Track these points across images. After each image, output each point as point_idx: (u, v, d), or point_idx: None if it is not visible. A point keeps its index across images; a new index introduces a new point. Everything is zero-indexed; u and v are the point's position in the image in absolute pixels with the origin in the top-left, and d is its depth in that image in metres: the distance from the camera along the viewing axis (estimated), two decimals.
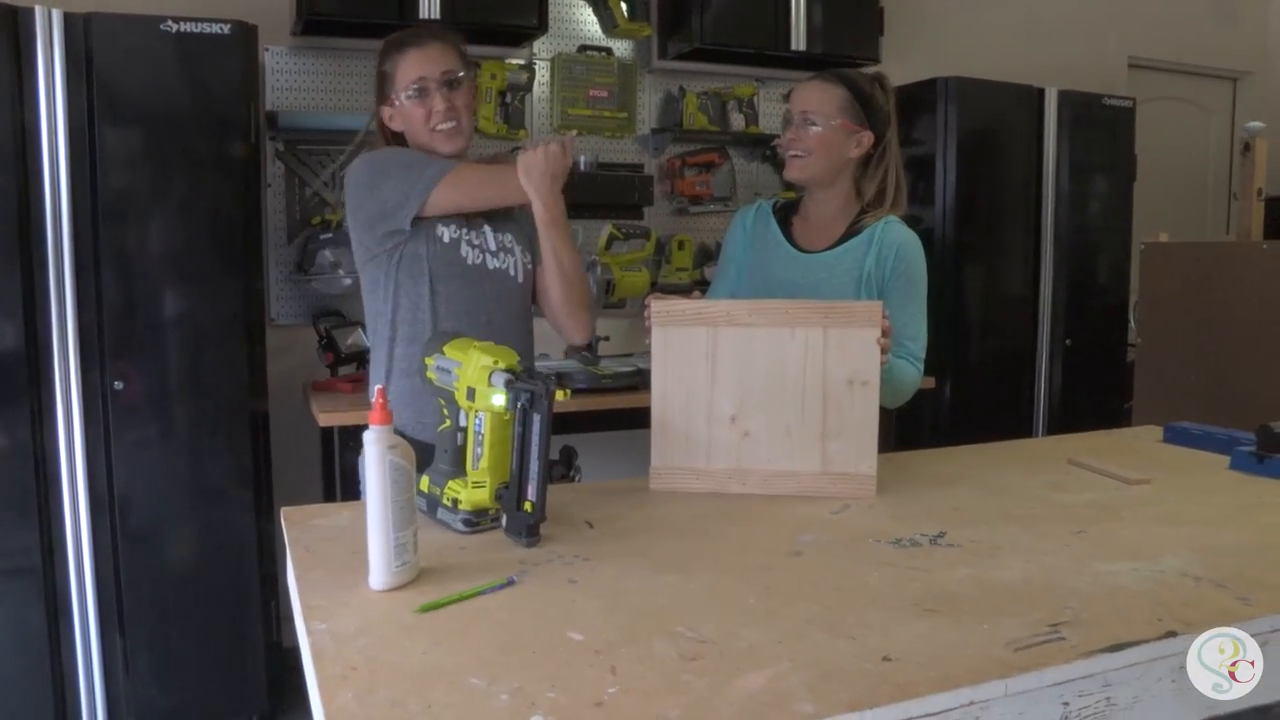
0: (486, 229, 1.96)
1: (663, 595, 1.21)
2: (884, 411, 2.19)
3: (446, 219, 1.89)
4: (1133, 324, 3.80)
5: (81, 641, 2.68)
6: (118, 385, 2.65)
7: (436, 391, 1.52)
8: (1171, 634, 1.06)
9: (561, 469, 2.06)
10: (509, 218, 2.02)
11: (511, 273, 1.98)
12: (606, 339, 3.38)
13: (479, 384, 1.42)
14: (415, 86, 1.89)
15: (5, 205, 2.51)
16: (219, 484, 2.77)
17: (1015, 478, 1.81)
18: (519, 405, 1.38)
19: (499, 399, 1.40)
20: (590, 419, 2.98)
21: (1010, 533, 1.45)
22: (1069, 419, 3.84)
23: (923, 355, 2.03)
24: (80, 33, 2.56)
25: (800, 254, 2.07)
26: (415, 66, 1.90)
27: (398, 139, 1.98)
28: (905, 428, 3.55)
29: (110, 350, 2.64)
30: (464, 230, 1.92)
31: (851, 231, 2.04)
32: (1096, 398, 3.96)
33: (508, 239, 1.99)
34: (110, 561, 2.68)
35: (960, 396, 3.72)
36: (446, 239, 1.90)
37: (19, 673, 2.63)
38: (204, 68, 2.67)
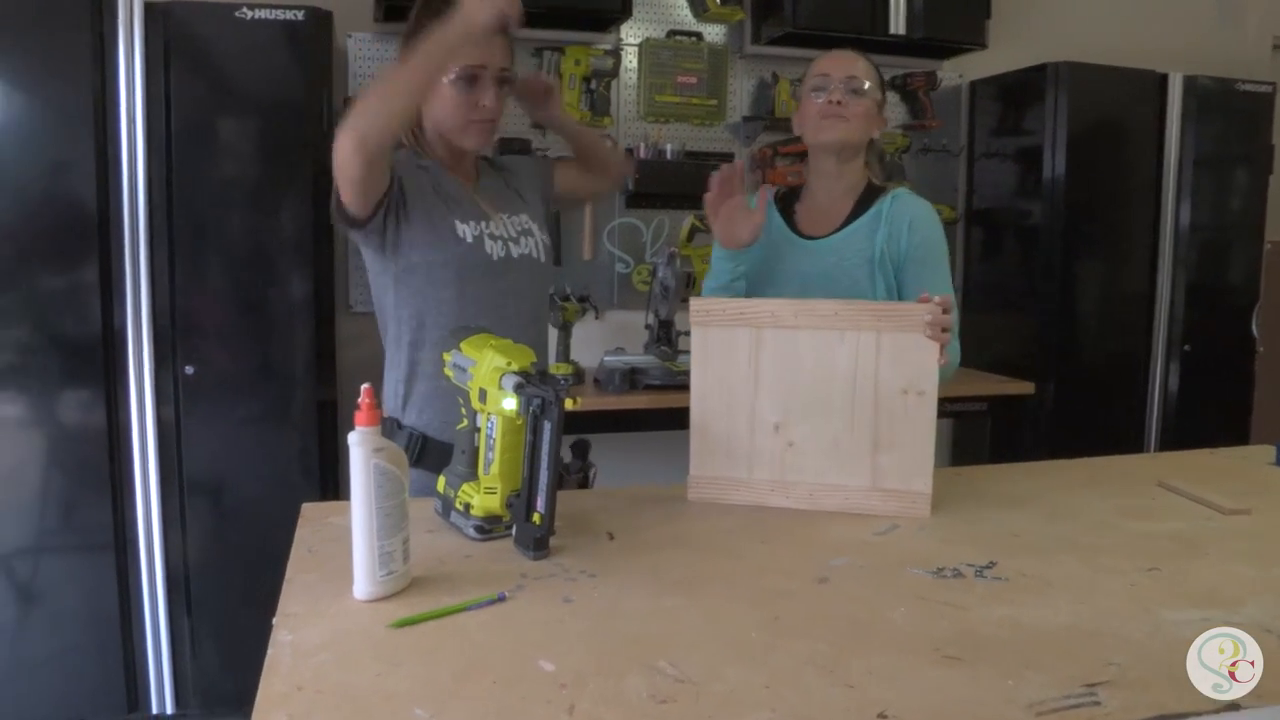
0: (503, 217, 1.82)
1: (658, 622, 1.10)
2: (978, 418, 2.05)
3: (464, 217, 1.74)
4: (1255, 331, 3.49)
5: (151, 623, 2.72)
6: (189, 370, 2.67)
7: (453, 388, 1.45)
8: (1234, 707, 0.90)
9: (579, 463, 1.94)
10: (516, 200, 1.89)
11: (534, 254, 1.84)
12: (687, 333, 3.26)
13: (490, 386, 1.34)
14: (469, 72, 1.70)
15: (85, 192, 2.56)
16: (287, 470, 2.78)
17: (1092, 501, 1.63)
18: (530, 411, 1.29)
19: (510, 403, 1.31)
20: (665, 416, 2.88)
21: (1069, 567, 1.29)
22: (1186, 432, 3.56)
23: (956, 328, 1.84)
24: (160, 21, 2.58)
25: (806, 241, 1.93)
26: (475, 51, 1.69)
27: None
28: (1004, 436, 3.36)
29: (182, 335, 2.66)
30: (483, 224, 1.77)
31: (857, 211, 1.90)
32: (1218, 409, 3.65)
33: (523, 219, 1.86)
34: (180, 544, 2.72)
35: (1066, 404, 3.48)
36: (470, 239, 1.75)
37: (92, 650, 2.69)
38: (278, 54, 2.67)
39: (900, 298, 1.84)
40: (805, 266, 1.88)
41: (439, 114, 1.76)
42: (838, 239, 1.90)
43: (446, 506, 1.46)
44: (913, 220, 1.85)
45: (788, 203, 2.00)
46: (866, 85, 1.86)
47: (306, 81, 2.71)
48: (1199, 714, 0.89)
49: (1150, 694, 0.92)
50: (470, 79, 1.72)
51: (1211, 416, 3.62)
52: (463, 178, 1.82)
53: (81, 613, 2.67)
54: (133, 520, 2.67)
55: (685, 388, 2.90)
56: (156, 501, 2.67)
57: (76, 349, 2.60)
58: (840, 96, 1.85)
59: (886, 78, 3.67)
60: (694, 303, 1.62)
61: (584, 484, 1.92)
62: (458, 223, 1.74)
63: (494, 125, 1.78)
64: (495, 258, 1.76)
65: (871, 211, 1.88)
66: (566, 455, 1.92)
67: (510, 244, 1.80)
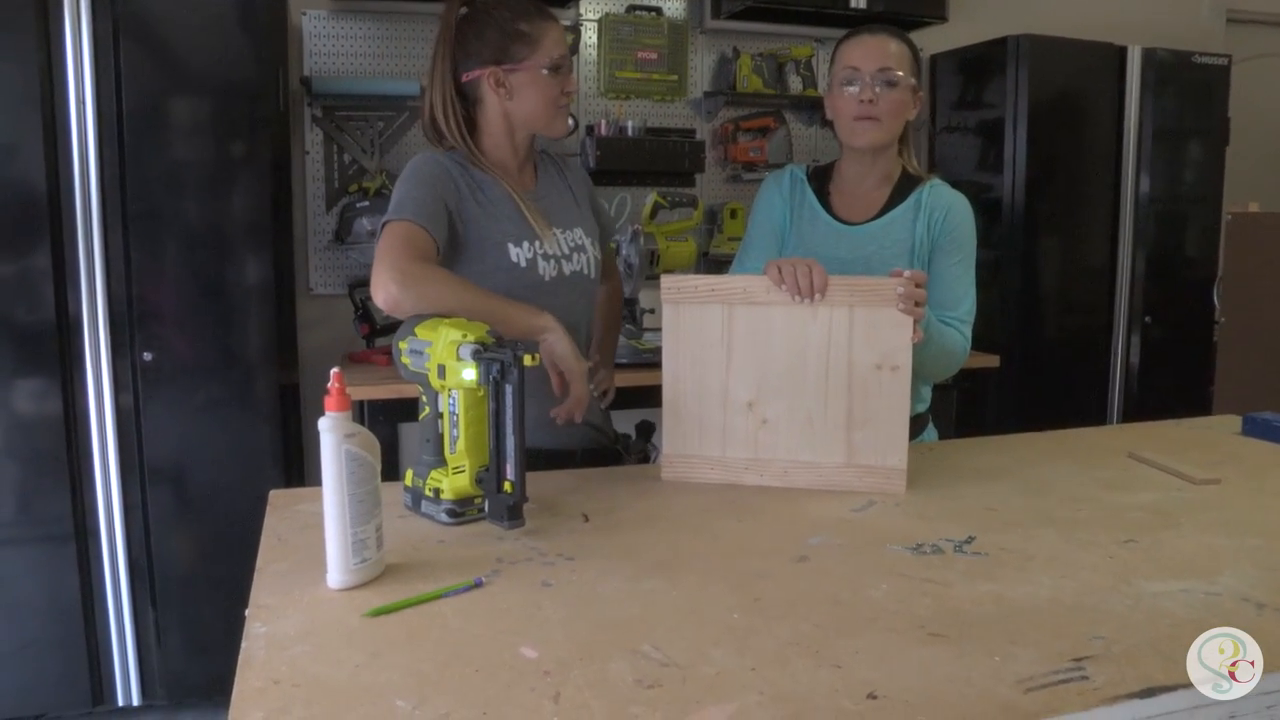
0: (556, 233, 1.76)
1: (638, 605, 1.09)
2: (944, 391, 2.05)
3: (518, 238, 1.69)
4: (1216, 301, 3.53)
5: (114, 613, 2.67)
6: (147, 356, 2.61)
7: (412, 377, 1.41)
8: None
9: (641, 443, 1.92)
10: (573, 208, 1.85)
11: (586, 271, 1.80)
12: (651, 311, 3.25)
13: (448, 360, 1.32)
14: (559, 61, 1.70)
15: (34, 175, 2.48)
16: (249, 456, 2.73)
17: (1065, 473, 1.64)
18: (490, 378, 1.27)
19: (469, 373, 1.29)
20: (632, 394, 2.85)
21: (1048, 540, 1.29)
22: (1147, 403, 3.60)
23: (970, 321, 1.82)
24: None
25: (844, 226, 1.88)
26: (560, 41, 1.71)
27: (468, 107, 1.71)
28: (968, 410, 3.37)
29: (139, 321, 2.60)
30: (537, 244, 1.71)
31: (895, 199, 1.86)
32: (1179, 381, 3.70)
33: (578, 235, 1.81)
34: (142, 533, 2.66)
35: (1029, 377, 3.51)
36: (523, 262, 1.68)
37: (55, 643, 2.63)
38: (232, 32, 2.60)
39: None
40: (844, 253, 1.82)
41: (533, 106, 1.70)
42: (876, 227, 1.85)
43: (416, 498, 1.43)
44: (949, 210, 1.82)
45: (820, 182, 1.93)
46: (900, 74, 1.78)
47: (261, 60, 2.64)
48: (1187, 686, 0.89)
49: (1138, 667, 0.92)
50: (559, 68, 1.70)
51: (1172, 387, 3.67)
52: (522, 184, 1.76)
53: (42, 605, 2.62)
54: (93, 510, 2.62)
55: (651, 365, 2.94)
56: (117, 490, 2.62)
57: (30, 337, 2.53)
58: (871, 94, 1.77)
59: None
60: (665, 280, 1.60)
61: (644, 462, 1.89)
62: (511, 246, 1.68)
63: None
64: (547, 279, 1.71)
65: (910, 200, 1.84)
66: (630, 432, 1.88)
67: (563, 262, 1.75)
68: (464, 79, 1.70)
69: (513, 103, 1.70)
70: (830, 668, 0.92)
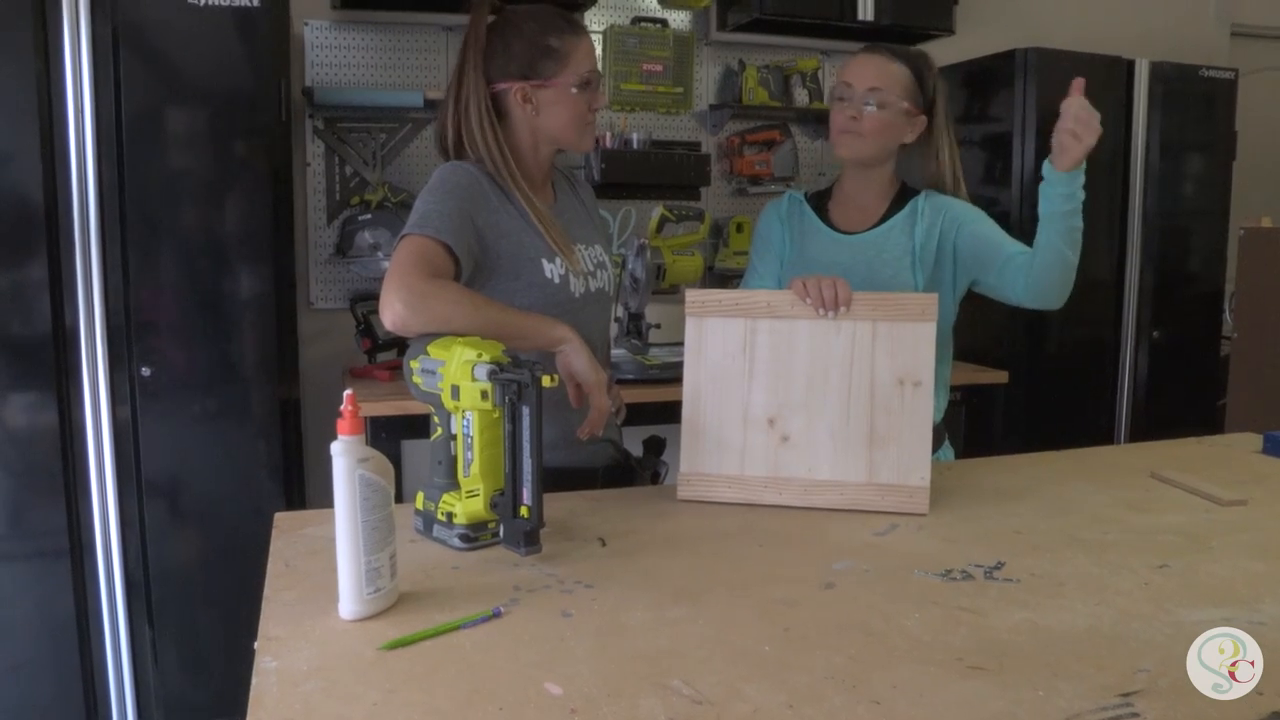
0: (581, 249, 1.74)
1: (665, 636, 1.05)
2: (953, 406, 2.06)
3: (550, 254, 1.66)
4: (1228, 316, 3.50)
5: (110, 631, 2.61)
6: (145, 372, 2.57)
7: (424, 397, 1.37)
8: (1276, 715, 0.87)
9: (651, 459, 1.88)
10: (590, 225, 1.82)
11: (606, 288, 1.79)
12: (657, 326, 3.20)
13: (463, 380, 1.28)
14: (589, 77, 1.66)
15: (32, 187, 2.44)
16: (248, 473, 2.68)
17: (1088, 494, 1.60)
18: (506, 399, 1.23)
19: (484, 394, 1.25)
20: (637, 411, 2.82)
21: (1079, 565, 1.26)
22: (1155, 420, 3.57)
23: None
24: (108, 7, 2.46)
25: (843, 236, 1.91)
26: (589, 55, 1.67)
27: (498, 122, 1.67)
28: (975, 426, 3.34)
29: (137, 334, 2.56)
30: (567, 262, 1.69)
31: (894, 209, 1.89)
32: (1187, 396, 3.66)
33: (598, 251, 1.79)
34: (139, 549, 2.61)
35: (1035, 393, 3.47)
36: (556, 279, 1.65)
37: (49, 662, 2.58)
38: (233, 42, 2.56)
39: (973, 261, 1.85)
40: (844, 259, 1.85)
41: (561, 121, 1.66)
42: (876, 234, 1.88)
43: (428, 522, 1.39)
44: (946, 207, 1.87)
45: (820, 201, 1.98)
46: (890, 97, 1.81)
47: (262, 70, 2.60)
48: None
49: (1187, 703, 0.88)
50: (588, 83, 1.66)
51: (1180, 401, 3.63)
52: (544, 197, 1.73)
53: (36, 623, 2.56)
54: (89, 525, 2.56)
55: (657, 381, 2.89)
56: (114, 505, 2.57)
57: (26, 350, 2.48)
58: (856, 111, 1.81)
59: None
60: (690, 293, 1.58)
61: (655, 480, 1.85)
62: (544, 262, 1.65)
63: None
64: (577, 294, 1.68)
65: (907, 209, 1.88)
66: (638, 450, 1.85)
67: (589, 278, 1.73)
68: (492, 91, 1.66)
69: (540, 119, 1.67)
70: (869, 703, 0.89)
